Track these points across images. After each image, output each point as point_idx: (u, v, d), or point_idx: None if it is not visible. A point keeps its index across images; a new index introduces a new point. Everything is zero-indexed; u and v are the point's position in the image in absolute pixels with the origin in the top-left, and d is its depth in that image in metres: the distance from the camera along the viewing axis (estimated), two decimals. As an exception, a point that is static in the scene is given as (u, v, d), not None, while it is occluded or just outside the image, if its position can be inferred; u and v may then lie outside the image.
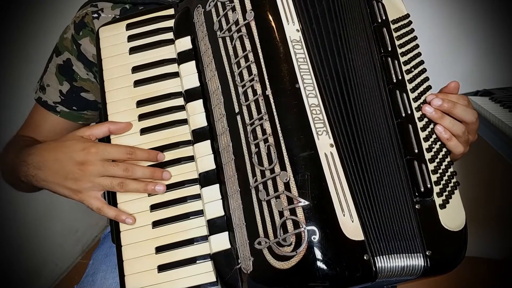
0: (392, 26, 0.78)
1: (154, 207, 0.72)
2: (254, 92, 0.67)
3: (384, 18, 0.77)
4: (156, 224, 0.71)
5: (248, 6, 0.70)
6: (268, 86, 0.66)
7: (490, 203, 1.77)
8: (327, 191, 0.62)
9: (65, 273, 2.03)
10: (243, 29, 0.69)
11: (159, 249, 0.69)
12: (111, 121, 0.75)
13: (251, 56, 0.68)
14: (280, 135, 0.64)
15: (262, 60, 0.67)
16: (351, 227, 0.62)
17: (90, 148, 0.71)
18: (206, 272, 0.68)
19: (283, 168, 0.63)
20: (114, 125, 0.75)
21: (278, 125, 0.65)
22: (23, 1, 1.75)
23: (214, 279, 0.67)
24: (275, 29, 0.69)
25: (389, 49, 0.75)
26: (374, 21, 0.77)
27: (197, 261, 0.68)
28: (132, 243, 0.71)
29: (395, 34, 0.77)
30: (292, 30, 0.70)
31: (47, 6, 1.83)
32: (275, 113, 0.65)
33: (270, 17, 0.69)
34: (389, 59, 0.75)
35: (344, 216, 0.62)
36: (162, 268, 0.68)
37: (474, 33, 1.64)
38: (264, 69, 0.67)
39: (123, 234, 0.71)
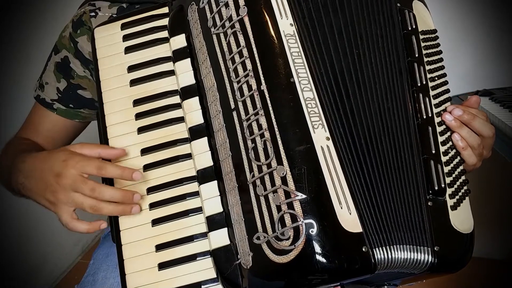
0: (421, 37, 0.80)
1: (153, 206, 0.72)
2: (249, 88, 0.67)
3: (414, 27, 0.79)
4: (156, 222, 0.71)
5: (241, 1, 0.70)
6: (263, 81, 0.66)
7: (490, 203, 1.77)
8: (324, 184, 0.62)
9: (65, 273, 2.03)
10: (237, 25, 0.69)
11: (159, 247, 0.69)
12: (104, 147, 0.73)
13: (245, 52, 0.68)
14: (276, 129, 0.64)
15: (256, 56, 0.67)
16: (349, 219, 0.62)
17: (69, 160, 0.69)
18: (206, 268, 0.68)
19: (279, 162, 0.63)
20: (105, 151, 0.72)
21: (273, 120, 0.65)
22: (23, 1, 1.76)
23: (215, 276, 0.67)
24: (268, 23, 0.69)
25: (416, 55, 0.77)
26: (404, 28, 0.79)
27: (197, 258, 0.68)
28: (132, 242, 0.71)
29: (422, 44, 0.79)
30: (286, 24, 0.69)
31: (47, 6, 1.84)
32: (270, 108, 0.65)
33: (263, 12, 0.69)
34: (415, 64, 0.77)
35: (341, 208, 0.62)
36: (162, 266, 0.68)
37: (474, 33, 1.64)
38: (258, 64, 0.67)
39: (123, 233, 0.71)
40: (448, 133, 0.75)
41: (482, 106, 1.31)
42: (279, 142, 0.64)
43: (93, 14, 0.91)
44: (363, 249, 0.61)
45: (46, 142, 0.96)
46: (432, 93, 0.76)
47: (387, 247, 0.64)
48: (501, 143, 1.20)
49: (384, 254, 0.64)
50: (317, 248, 0.59)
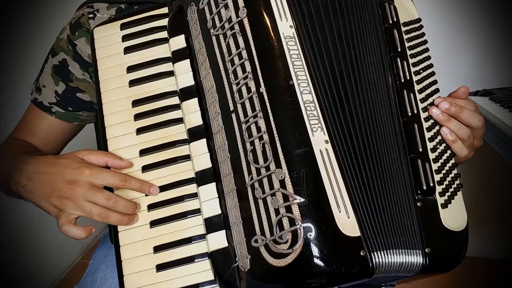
0: (403, 29, 0.78)
1: (151, 207, 0.72)
2: (248, 90, 0.67)
3: (395, 19, 0.78)
4: (154, 223, 0.71)
5: (241, 3, 0.69)
6: (262, 84, 0.66)
7: (490, 202, 1.78)
8: (323, 188, 0.62)
9: (65, 273, 2.04)
10: (236, 27, 0.69)
11: (157, 249, 0.69)
12: (111, 156, 0.73)
13: (244, 54, 0.68)
14: (275, 132, 0.64)
15: (255, 58, 0.67)
16: (347, 223, 0.61)
17: (84, 169, 0.69)
18: (204, 270, 0.68)
19: (278, 165, 0.63)
20: (113, 162, 0.72)
21: (272, 123, 0.64)
22: (23, 1, 1.75)
23: (212, 278, 0.67)
24: (268, 25, 0.69)
25: (399, 50, 0.76)
26: (385, 22, 0.78)
27: (195, 260, 0.68)
28: (130, 243, 0.71)
29: (405, 36, 0.78)
30: (286, 26, 0.69)
31: (47, 6, 1.84)
32: (269, 111, 0.65)
33: (263, 14, 0.69)
34: (398, 59, 0.76)
35: (340, 212, 0.62)
36: (160, 267, 0.69)
37: (474, 33, 1.64)
38: (257, 66, 0.67)
39: (121, 234, 0.71)
40: (437, 128, 0.74)
41: (482, 106, 1.31)
42: (278, 145, 0.63)
43: (91, 16, 0.90)
44: (361, 253, 0.61)
45: (42, 144, 0.95)
46: (417, 87, 0.75)
47: (384, 251, 0.64)
48: (501, 143, 1.20)
49: (382, 258, 0.64)
50: (315, 252, 0.59)
